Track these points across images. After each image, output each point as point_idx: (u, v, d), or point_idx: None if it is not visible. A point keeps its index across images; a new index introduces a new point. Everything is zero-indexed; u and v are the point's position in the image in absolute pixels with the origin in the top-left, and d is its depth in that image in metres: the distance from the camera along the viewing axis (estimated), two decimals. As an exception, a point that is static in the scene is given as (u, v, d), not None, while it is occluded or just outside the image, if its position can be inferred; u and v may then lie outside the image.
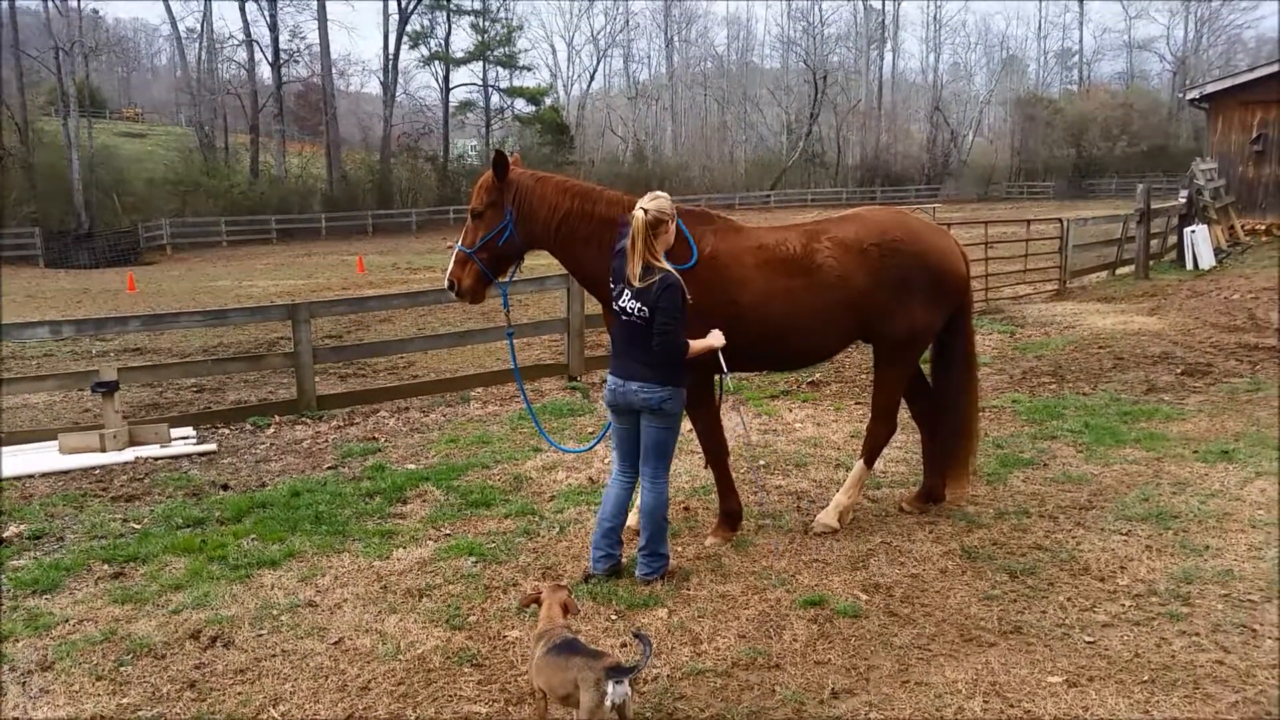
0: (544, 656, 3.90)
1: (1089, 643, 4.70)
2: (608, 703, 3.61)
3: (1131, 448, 7.85)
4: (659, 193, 5.36)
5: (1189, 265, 19.90)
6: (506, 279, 6.09)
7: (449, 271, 5.81)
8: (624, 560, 5.67)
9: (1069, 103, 77.82)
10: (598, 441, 7.02)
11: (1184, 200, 20.74)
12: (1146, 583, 5.35)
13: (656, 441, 5.41)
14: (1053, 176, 71.97)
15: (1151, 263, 19.83)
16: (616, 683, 3.63)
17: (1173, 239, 21.39)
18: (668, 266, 5.17)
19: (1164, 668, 4.43)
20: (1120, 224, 20.59)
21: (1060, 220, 18.97)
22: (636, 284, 5.13)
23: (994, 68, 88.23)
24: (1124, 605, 5.09)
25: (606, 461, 7.90)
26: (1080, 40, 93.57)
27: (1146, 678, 4.35)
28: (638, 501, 5.62)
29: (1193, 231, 20.14)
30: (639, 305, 5.14)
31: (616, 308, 5.30)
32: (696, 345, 5.26)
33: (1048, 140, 74.99)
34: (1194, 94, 26.28)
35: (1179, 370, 10.69)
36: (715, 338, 5.38)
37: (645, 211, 5.11)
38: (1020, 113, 77.35)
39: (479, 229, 5.76)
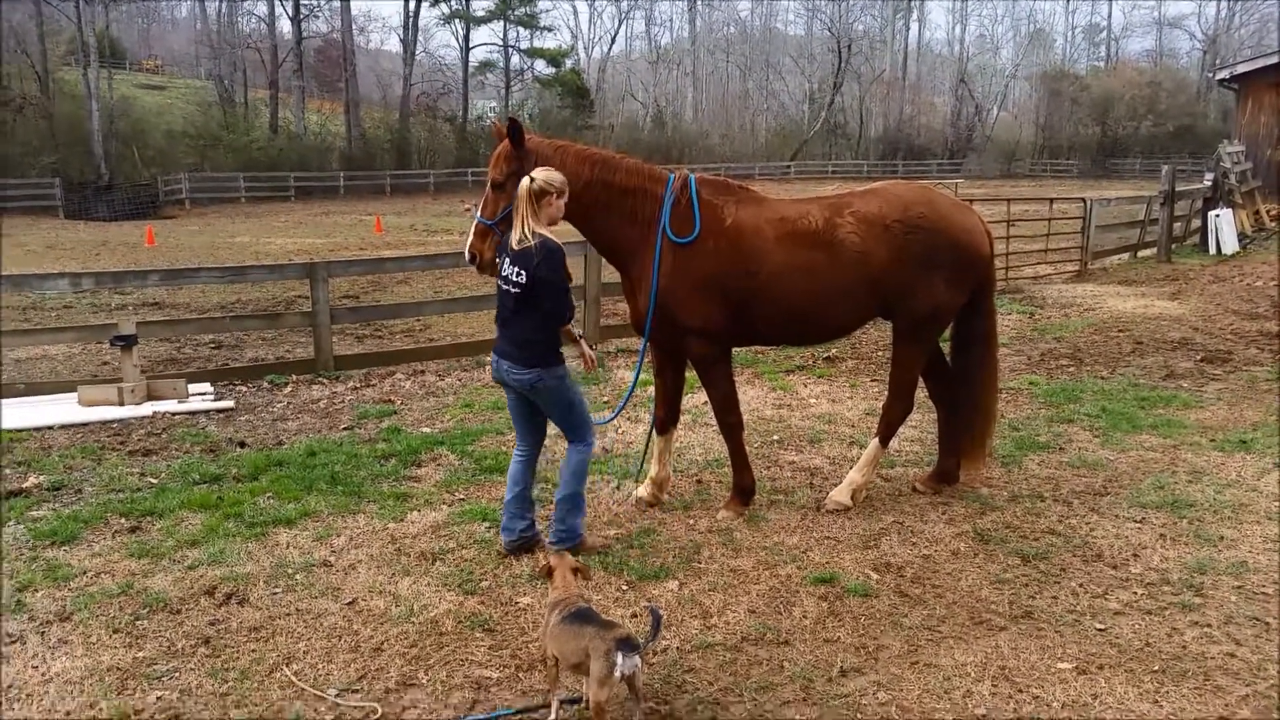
0: (558, 624, 3.92)
1: (1100, 630, 4.70)
2: (617, 673, 3.64)
3: (1148, 434, 7.81)
4: (551, 169, 5.36)
5: (1212, 250, 19.69)
6: None
7: (469, 243, 5.70)
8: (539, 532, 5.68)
9: (1096, 79, 76.72)
10: (616, 414, 7.01)
11: (1209, 183, 20.50)
12: (1159, 571, 5.34)
13: (557, 417, 5.44)
14: (1077, 155, 71.10)
15: (1174, 246, 19.64)
16: (626, 655, 3.65)
17: (1196, 222, 21.17)
18: (546, 234, 5.15)
19: (1175, 658, 4.43)
20: (1144, 205, 20.39)
21: (1083, 200, 18.79)
22: (516, 248, 5.13)
23: (1021, 41, 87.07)
24: (1136, 593, 5.09)
25: (620, 431, 7.91)
26: (1109, 16, 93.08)
27: (1157, 667, 4.35)
28: (652, 467, 5.61)
29: (1217, 215, 19.92)
30: (517, 269, 5.13)
31: (499, 279, 5.28)
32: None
33: (1073, 117, 74.08)
34: (1224, 74, 25.94)
35: (1198, 357, 10.61)
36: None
37: (532, 180, 5.13)
38: (1046, 88, 76.35)
39: (500, 200, 5.62)
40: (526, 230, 5.10)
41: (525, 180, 5.14)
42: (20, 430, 8.06)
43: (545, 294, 5.11)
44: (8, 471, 7.06)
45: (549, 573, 4.28)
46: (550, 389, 5.27)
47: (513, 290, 5.15)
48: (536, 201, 5.13)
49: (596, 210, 5.81)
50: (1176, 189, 19.23)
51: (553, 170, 5.28)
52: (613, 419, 7.24)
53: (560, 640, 3.90)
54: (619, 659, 3.64)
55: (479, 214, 5.68)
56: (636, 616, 4.80)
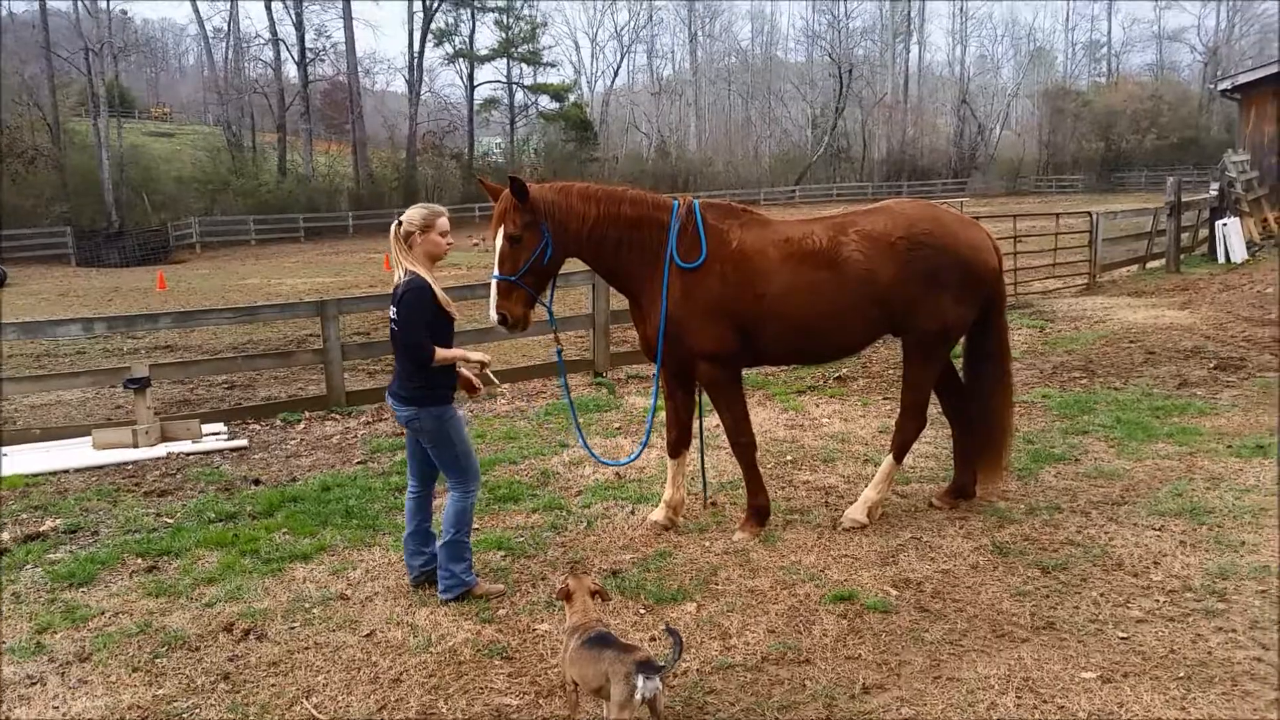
0: (577, 649, 3.92)
1: (1123, 638, 4.65)
2: (637, 696, 3.62)
3: (1164, 443, 7.76)
4: (427, 204, 5.34)
5: (1221, 259, 19.64)
6: (549, 297, 6.02)
7: (494, 304, 5.60)
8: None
9: (1097, 95, 76.91)
10: (638, 455, 6.98)
11: (1215, 193, 20.49)
12: (1181, 578, 5.29)
13: (435, 457, 5.35)
14: (1081, 170, 71.15)
15: (1183, 256, 19.61)
16: (647, 678, 3.62)
17: (1204, 232, 21.14)
18: (420, 272, 5.11)
19: (1200, 664, 4.38)
20: (1150, 217, 20.36)
21: (1090, 214, 18.78)
22: (396, 289, 5.15)
23: (1021, 60, 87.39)
24: (1158, 601, 5.04)
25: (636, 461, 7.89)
26: (1109, 32, 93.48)
27: (1182, 674, 4.30)
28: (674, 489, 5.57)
29: (1224, 224, 19.89)
30: (393, 309, 5.15)
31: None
32: (444, 353, 5.12)
33: (1076, 133, 74.19)
34: (1225, 84, 25.91)
35: (1211, 365, 10.56)
36: (473, 353, 5.32)
37: (399, 222, 5.15)
38: (1048, 105, 76.53)
39: (520, 253, 5.59)
40: (400, 270, 5.15)
41: (394, 223, 5.18)
42: (37, 474, 8.10)
43: (403, 329, 5.11)
44: (24, 515, 7.09)
45: (567, 596, 4.27)
46: (427, 429, 5.22)
47: (391, 328, 5.21)
48: (405, 242, 5.15)
49: (606, 245, 5.84)
50: (1183, 200, 19.21)
51: (420, 207, 5.26)
52: (635, 459, 7.18)
53: (580, 665, 3.88)
54: (640, 682, 3.62)
55: (497, 270, 5.62)
56: (655, 640, 4.78)
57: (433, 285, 5.09)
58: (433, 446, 5.29)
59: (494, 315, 5.62)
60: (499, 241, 5.62)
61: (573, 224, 5.73)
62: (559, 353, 6.38)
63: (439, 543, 5.36)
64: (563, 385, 6.91)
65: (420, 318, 5.06)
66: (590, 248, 5.85)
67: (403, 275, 5.13)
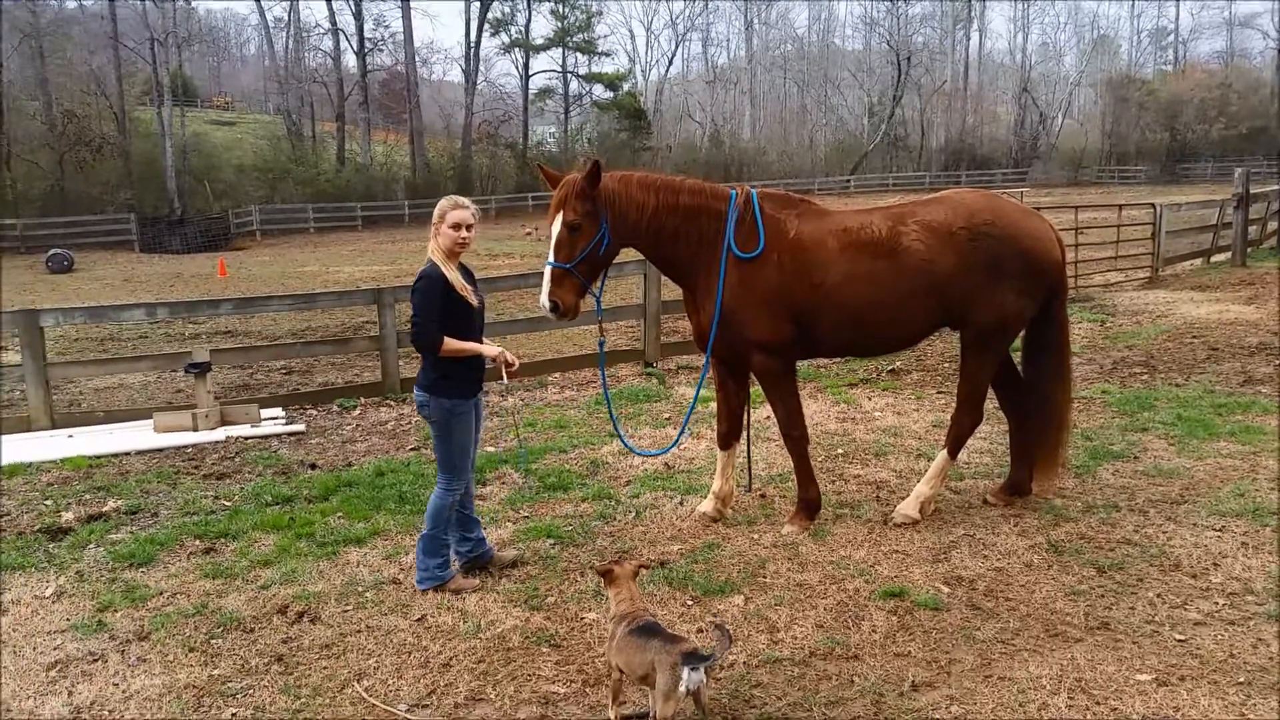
0: (625, 636, 3.94)
1: (1180, 641, 4.56)
2: (682, 688, 3.63)
3: (1226, 441, 7.58)
4: (453, 197, 5.36)
5: (1290, 253, 19.10)
6: (599, 288, 6.00)
7: (546, 292, 5.55)
8: (491, 547, 5.74)
9: (1163, 83, 75.08)
10: (674, 444, 6.99)
11: (1286, 185, 19.90)
12: (1242, 580, 5.17)
13: (434, 446, 5.43)
14: (1145, 160, 69.60)
15: (1250, 250, 19.08)
16: (692, 669, 3.63)
17: (1272, 225, 20.58)
18: (436, 260, 5.17)
19: (1261, 669, 4.28)
20: (1216, 209, 19.85)
21: (1153, 205, 18.36)
22: None
23: (1084, 48, 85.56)
24: (1217, 603, 4.93)
25: (684, 448, 7.89)
26: (1176, 18, 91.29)
27: (1242, 679, 4.20)
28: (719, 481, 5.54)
29: (1295, 217, 19.33)
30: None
31: None
32: (453, 345, 5.13)
33: (1140, 123, 72.54)
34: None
35: (1277, 362, 10.28)
36: (488, 348, 5.29)
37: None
38: (1112, 94, 74.88)
39: (578, 241, 5.58)
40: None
41: None
42: (99, 456, 8.31)
43: (412, 319, 5.18)
44: (87, 496, 7.28)
45: (609, 578, 4.27)
46: (435, 419, 5.27)
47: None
48: (433, 230, 5.25)
49: (664, 234, 5.83)
50: (1251, 192, 18.69)
51: (444, 200, 5.31)
52: (672, 448, 7.19)
53: (626, 653, 3.90)
54: (685, 673, 3.62)
55: (552, 257, 5.59)
56: (702, 631, 4.78)
57: (446, 274, 5.14)
58: (435, 435, 5.37)
59: (546, 302, 5.60)
60: (556, 228, 5.60)
61: (632, 213, 5.71)
62: (601, 344, 6.41)
63: (425, 526, 5.39)
64: (601, 375, 6.93)
65: (429, 307, 5.12)
66: (648, 237, 5.83)
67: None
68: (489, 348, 5.33)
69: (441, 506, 5.34)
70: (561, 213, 5.58)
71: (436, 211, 5.27)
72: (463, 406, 5.27)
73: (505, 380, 5.46)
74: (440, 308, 5.13)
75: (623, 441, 6.79)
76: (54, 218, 42.43)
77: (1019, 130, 76.30)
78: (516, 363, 5.49)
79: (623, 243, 5.82)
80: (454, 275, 5.18)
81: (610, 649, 4.06)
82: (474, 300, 5.27)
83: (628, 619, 4.02)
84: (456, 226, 5.22)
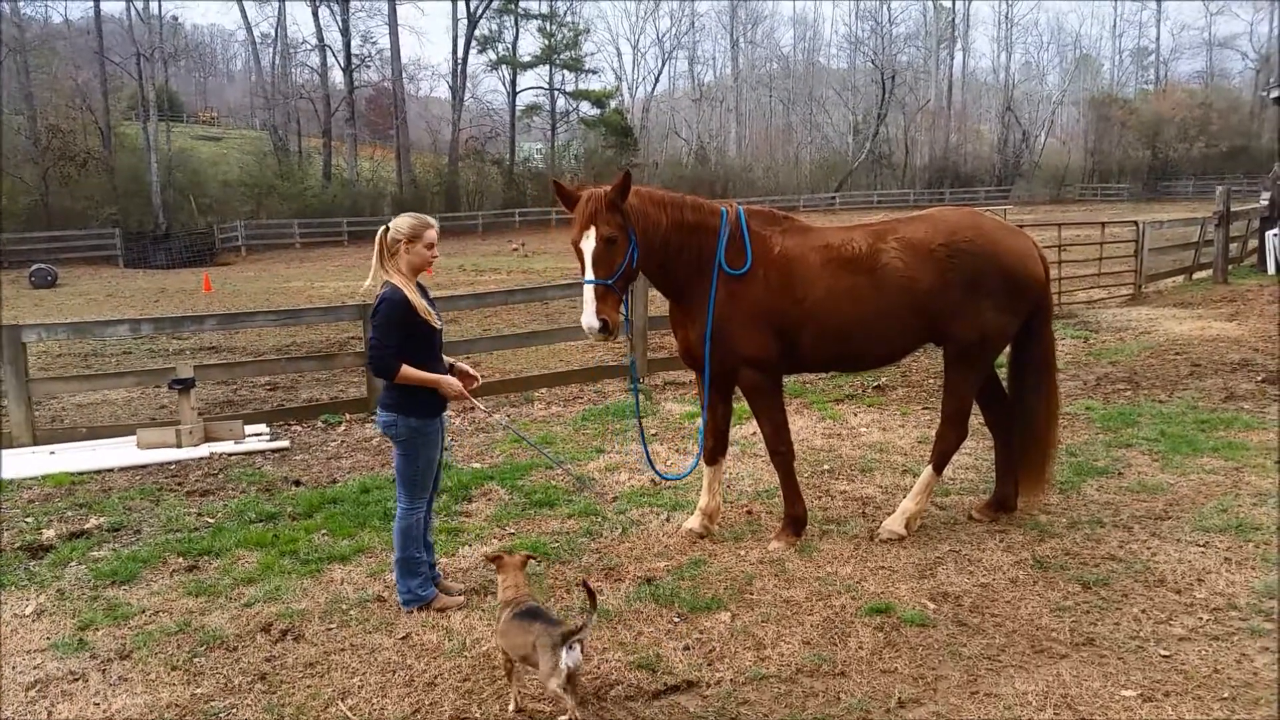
0: (509, 621, 4.26)
1: (1165, 656, 4.57)
2: (562, 666, 3.92)
3: (1209, 457, 7.62)
4: (416, 214, 5.21)
5: (1270, 270, 19.22)
6: (627, 304, 5.84)
7: (592, 310, 5.38)
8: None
9: (1145, 103, 75.85)
10: (694, 466, 6.97)
11: (1266, 202, 20.05)
12: (1226, 596, 5.19)
13: (396, 467, 5.30)
14: (1127, 178, 70.28)
15: (1231, 267, 19.24)
16: (569, 649, 3.94)
17: (1253, 243, 20.73)
18: (398, 283, 5.02)
19: (1245, 685, 4.29)
20: (1198, 227, 20.04)
21: (1136, 223, 18.51)
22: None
23: (1067, 67, 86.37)
24: (1202, 619, 4.94)
25: (669, 465, 7.89)
26: (1157, 38, 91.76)
27: (1227, 694, 4.21)
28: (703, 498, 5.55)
29: (1275, 235, 19.46)
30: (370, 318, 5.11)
31: None
32: (411, 374, 4.99)
33: (1122, 141, 73.29)
34: (1277, 92, 25.43)
35: (1259, 378, 10.35)
36: (446, 384, 5.11)
37: (387, 228, 5.09)
38: (1094, 113, 75.66)
39: (616, 256, 5.46)
40: (376, 278, 5.11)
41: (381, 228, 5.13)
42: (81, 473, 8.24)
43: (372, 341, 5.07)
44: (69, 513, 7.22)
45: (499, 564, 4.63)
46: (401, 438, 5.16)
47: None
48: (389, 248, 5.08)
49: (671, 250, 5.80)
50: (1232, 209, 18.87)
51: (408, 216, 5.18)
52: (689, 474, 7.10)
53: (510, 635, 4.22)
54: (563, 653, 3.93)
55: (592, 274, 5.44)
56: (672, 631, 4.76)
57: (409, 297, 5.01)
58: (400, 455, 5.24)
59: (594, 322, 5.40)
60: (590, 244, 5.44)
61: (650, 229, 5.67)
62: (633, 362, 6.35)
63: (396, 550, 5.31)
64: (634, 394, 6.88)
65: (390, 331, 4.99)
66: (659, 252, 5.79)
67: (377, 284, 5.09)
68: (450, 384, 5.15)
69: (407, 527, 5.26)
70: (594, 227, 5.43)
71: (407, 229, 5.07)
72: (429, 426, 5.19)
73: (482, 408, 5.43)
74: (401, 332, 5.00)
75: (651, 468, 6.78)
76: (38, 232, 42.23)
77: (1002, 148, 76.94)
78: (479, 380, 5.47)
79: (646, 257, 5.76)
80: (416, 297, 5.05)
81: (496, 633, 4.40)
82: (436, 322, 5.15)
83: (513, 604, 4.33)
84: (431, 246, 5.14)
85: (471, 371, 5.48)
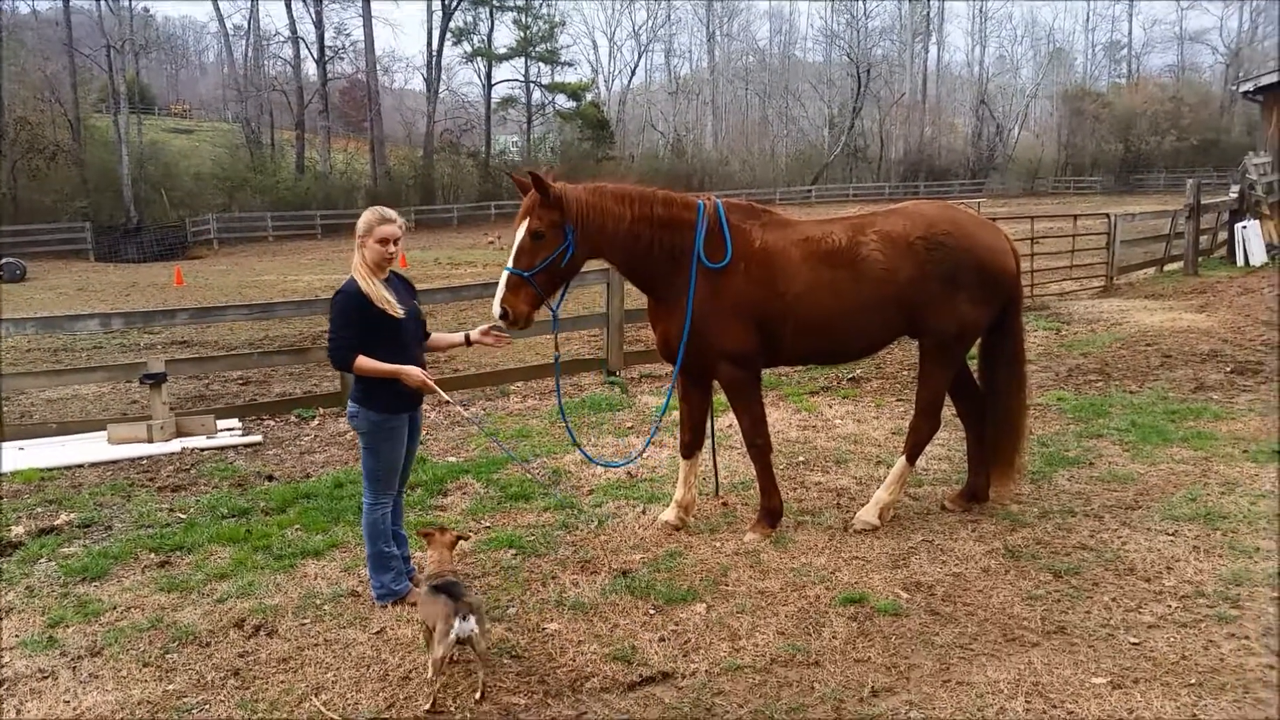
0: (424, 593, 4.54)
1: (1134, 644, 4.63)
2: (452, 635, 4.21)
3: (1179, 447, 7.71)
4: (378, 209, 5.18)
5: (1240, 262, 19.47)
6: (557, 301, 5.92)
7: (500, 298, 5.50)
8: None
9: (1117, 96, 76.40)
10: (637, 456, 6.97)
11: (1235, 195, 20.29)
12: (1194, 584, 5.26)
13: (361, 461, 5.30)
14: (1100, 171, 70.77)
15: (1201, 259, 19.48)
16: (463, 619, 4.22)
17: (1223, 235, 20.98)
18: (358, 276, 5.02)
19: (1212, 671, 4.35)
20: (1169, 220, 20.22)
21: (1108, 215, 18.67)
22: None
23: (1040, 61, 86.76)
24: (1170, 606, 5.01)
25: (647, 458, 7.89)
26: (1129, 33, 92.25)
27: (1194, 680, 4.27)
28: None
29: (1244, 227, 19.71)
30: None
31: None
32: (368, 364, 4.96)
33: (1095, 134, 73.78)
34: (1248, 86, 25.64)
35: (1228, 368, 10.48)
36: (408, 373, 5.01)
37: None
38: (1067, 106, 76.11)
39: (539, 251, 5.52)
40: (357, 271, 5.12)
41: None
42: (51, 469, 8.15)
43: (330, 334, 5.09)
44: (39, 509, 7.14)
45: (429, 539, 4.96)
46: (364, 431, 5.15)
47: None
48: (358, 244, 5.10)
49: (638, 245, 5.81)
50: (1202, 202, 19.06)
51: (368, 212, 5.16)
52: (636, 458, 7.16)
53: (423, 606, 4.53)
54: (456, 622, 4.21)
55: (511, 264, 5.53)
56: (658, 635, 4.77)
57: (366, 291, 4.97)
58: (362, 448, 5.23)
59: (496, 309, 5.52)
60: (520, 235, 5.55)
61: (609, 225, 5.67)
62: (557, 359, 6.39)
63: (366, 545, 5.31)
64: (557, 390, 6.92)
65: (344, 323, 5.00)
66: (624, 249, 5.80)
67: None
68: (411, 372, 5.04)
69: (373, 521, 5.24)
70: (527, 220, 5.54)
71: (362, 224, 5.07)
72: (393, 421, 5.15)
73: (449, 399, 5.45)
74: (358, 324, 4.98)
75: (582, 453, 6.80)
76: (5, 226, 41.63)
77: (976, 142, 77.36)
78: (509, 340, 5.61)
79: (592, 254, 5.80)
80: (374, 289, 4.99)
81: (419, 604, 4.70)
82: (397, 312, 5.04)
83: (433, 578, 4.60)
84: (384, 241, 5.06)
85: (487, 334, 5.48)
